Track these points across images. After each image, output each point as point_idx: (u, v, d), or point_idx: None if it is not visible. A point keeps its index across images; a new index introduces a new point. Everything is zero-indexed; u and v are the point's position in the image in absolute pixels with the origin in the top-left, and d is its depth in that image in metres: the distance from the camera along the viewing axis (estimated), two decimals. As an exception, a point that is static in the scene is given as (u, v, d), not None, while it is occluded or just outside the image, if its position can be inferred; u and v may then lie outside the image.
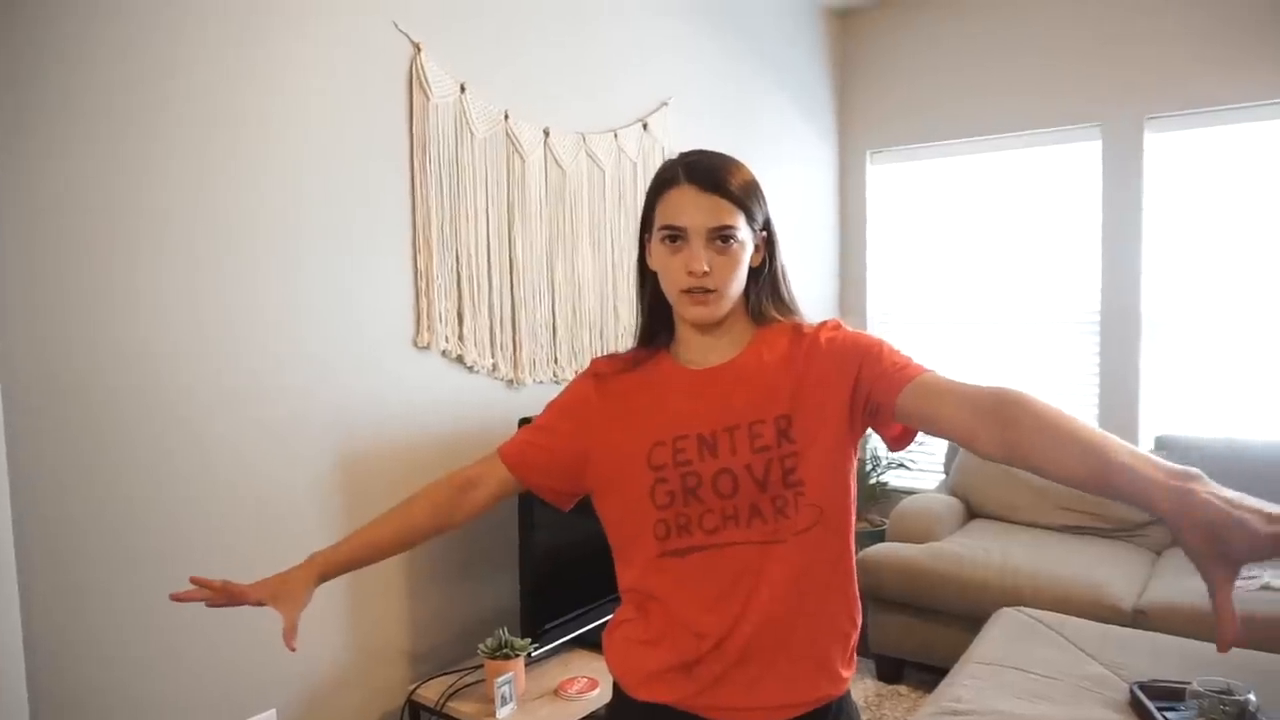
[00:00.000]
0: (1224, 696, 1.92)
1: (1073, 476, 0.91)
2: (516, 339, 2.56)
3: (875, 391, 1.14)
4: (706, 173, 1.16)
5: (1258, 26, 3.33)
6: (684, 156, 1.20)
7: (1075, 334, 3.83)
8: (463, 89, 2.39)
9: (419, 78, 2.27)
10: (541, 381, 2.65)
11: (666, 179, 1.18)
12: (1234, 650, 2.41)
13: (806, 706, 1.18)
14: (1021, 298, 3.95)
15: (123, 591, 1.76)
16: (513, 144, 2.53)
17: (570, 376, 2.74)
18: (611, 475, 1.23)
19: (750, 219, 1.17)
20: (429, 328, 2.32)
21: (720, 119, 3.46)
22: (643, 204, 1.24)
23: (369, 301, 2.20)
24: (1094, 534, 3.28)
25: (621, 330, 2.93)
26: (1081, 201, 3.77)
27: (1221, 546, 0.77)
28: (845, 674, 1.21)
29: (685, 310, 1.18)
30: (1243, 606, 2.71)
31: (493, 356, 2.49)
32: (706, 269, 1.13)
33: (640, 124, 3.02)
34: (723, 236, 1.14)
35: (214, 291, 1.88)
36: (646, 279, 1.26)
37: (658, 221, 1.18)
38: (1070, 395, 3.83)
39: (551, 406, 1.33)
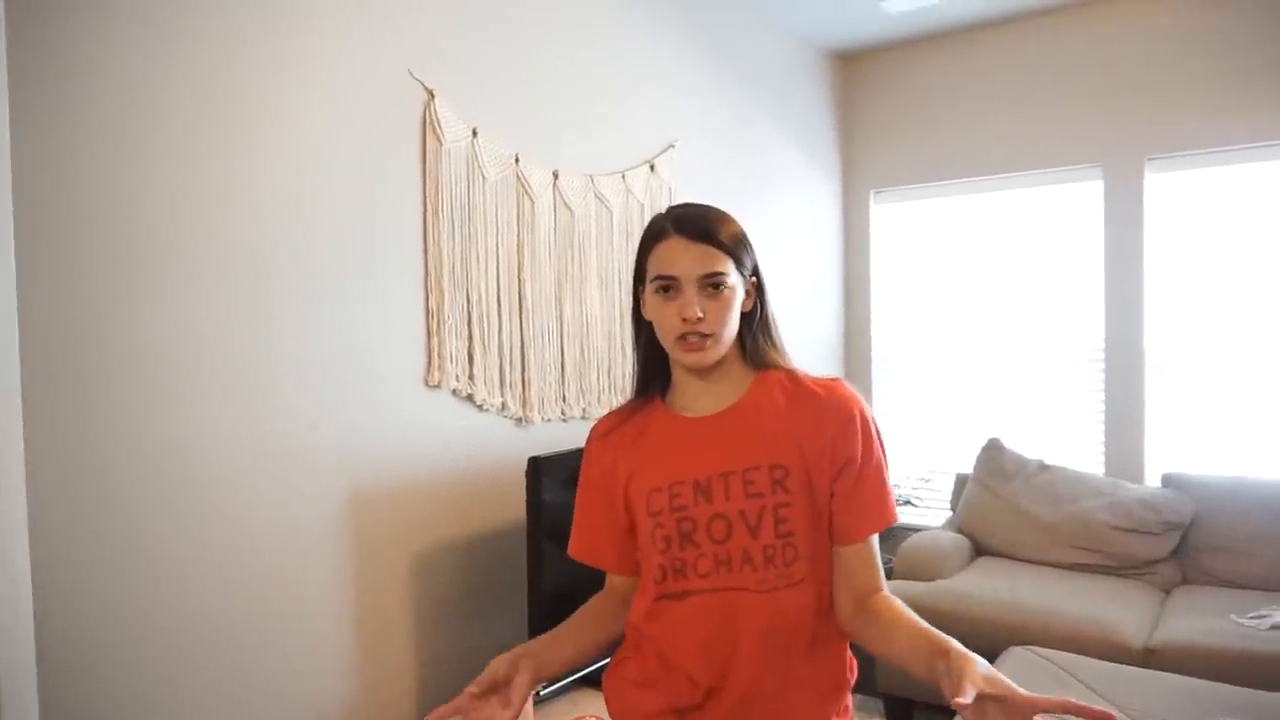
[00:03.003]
0: (1236, 737, 1.91)
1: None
2: (526, 378, 2.59)
3: (841, 510, 1.20)
4: (694, 223, 1.20)
5: (1257, 69, 3.39)
6: (671, 210, 1.25)
7: (1080, 372, 3.84)
8: (474, 133, 2.44)
9: (432, 123, 2.33)
10: (550, 420, 2.68)
11: (656, 232, 1.23)
12: (1245, 690, 2.41)
13: None
14: (1026, 336, 3.98)
15: (130, 632, 1.77)
16: (523, 186, 2.58)
17: (578, 415, 2.76)
18: (631, 518, 1.28)
19: (739, 265, 1.21)
20: (440, 367, 2.35)
21: (726, 160, 3.52)
22: (634, 258, 1.28)
23: (380, 340, 2.23)
24: (1102, 572, 3.26)
25: (630, 369, 2.96)
26: (1084, 241, 3.81)
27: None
28: None
29: (681, 356, 1.21)
30: (1254, 645, 2.69)
31: (502, 395, 2.52)
32: (700, 314, 1.17)
33: (648, 165, 3.07)
34: (714, 283, 1.18)
35: (224, 329, 1.92)
36: (641, 329, 1.30)
37: (650, 272, 1.22)
38: (1075, 434, 3.84)
39: (579, 490, 1.36)
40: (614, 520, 1.30)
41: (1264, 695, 2.30)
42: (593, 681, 2.42)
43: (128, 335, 1.76)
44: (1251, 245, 3.47)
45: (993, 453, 3.70)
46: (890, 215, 4.37)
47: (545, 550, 2.27)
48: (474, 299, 2.43)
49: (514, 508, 2.44)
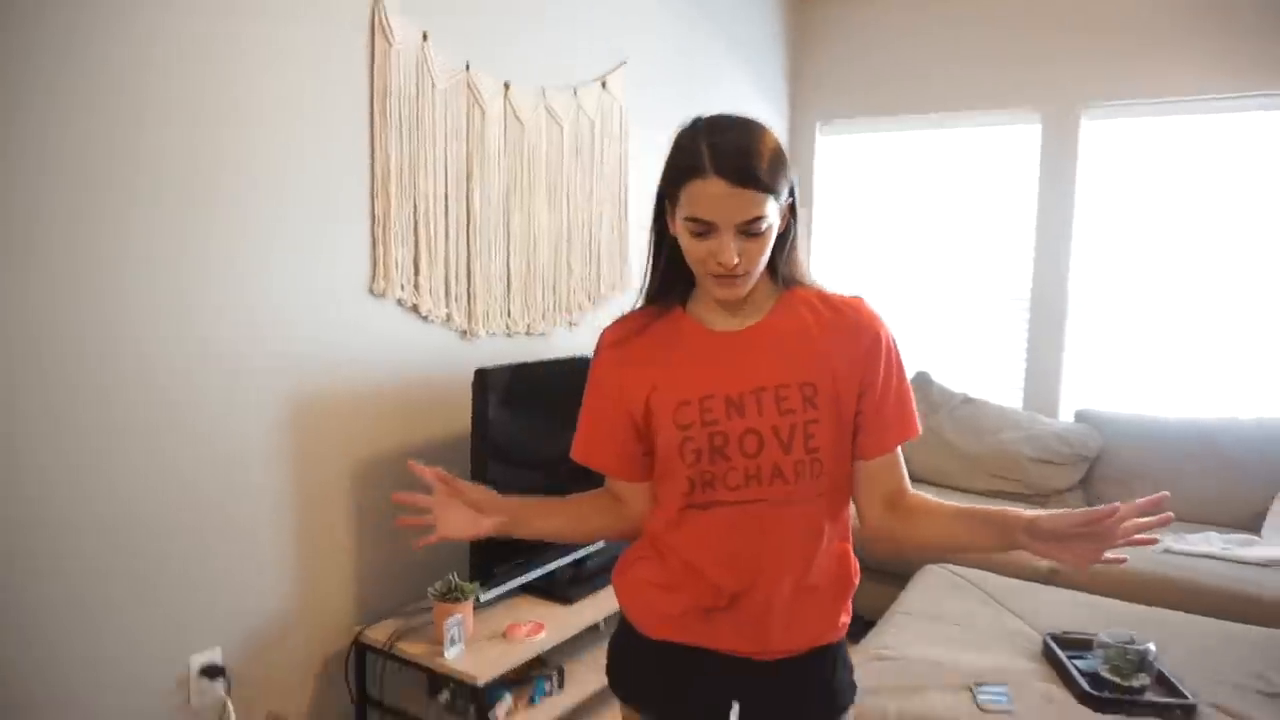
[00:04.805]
0: (1127, 646, 2.07)
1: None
2: (471, 290, 2.57)
3: (867, 427, 1.23)
4: (736, 161, 1.08)
5: (1192, 23, 3.47)
6: (710, 133, 1.12)
7: (1007, 311, 3.99)
8: (425, 37, 2.36)
9: (381, 24, 2.25)
10: (494, 334, 2.67)
11: (692, 166, 1.10)
12: (1137, 606, 2.59)
13: (812, 647, 1.26)
14: (959, 273, 4.09)
15: (67, 529, 1.75)
16: (473, 95, 2.53)
17: (523, 331, 2.76)
18: (649, 428, 1.26)
19: (778, 196, 1.13)
20: (385, 275, 2.31)
21: (676, 83, 3.48)
22: (662, 168, 1.17)
23: (324, 245, 2.18)
24: (1017, 499, 3.45)
25: (574, 285, 2.97)
26: (1021, 183, 3.90)
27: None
28: (845, 620, 1.29)
29: (713, 289, 1.17)
30: (1146, 566, 2.89)
31: (447, 307, 2.50)
32: (737, 260, 1.11)
33: (599, 82, 3.02)
34: (753, 229, 1.11)
35: (164, 233, 1.86)
36: (664, 240, 1.23)
37: (683, 208, 1.12)
38: (999, 369, 4.00)
39: (587, 396, 1.33)
40: (623, 427, 1.28)
41: (1155, 611, 2.49)
42: (534, 589, 2.48)
43: (64, 242, 1.69)
44: (1177, 195, 3.60)
45: (921, 385, 3.84)
46: (835, 147, 4.41)
47: (489, 462, 2.30)
48: (421, 208, 2.39)
49: (456, 421, 2.45)
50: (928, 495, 1.29)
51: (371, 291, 2.31)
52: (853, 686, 1.32)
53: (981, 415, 3.68)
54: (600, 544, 2.71)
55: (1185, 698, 1.96)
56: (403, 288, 2.37)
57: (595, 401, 1.31)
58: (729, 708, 1.29)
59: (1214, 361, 3.59)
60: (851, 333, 1.21)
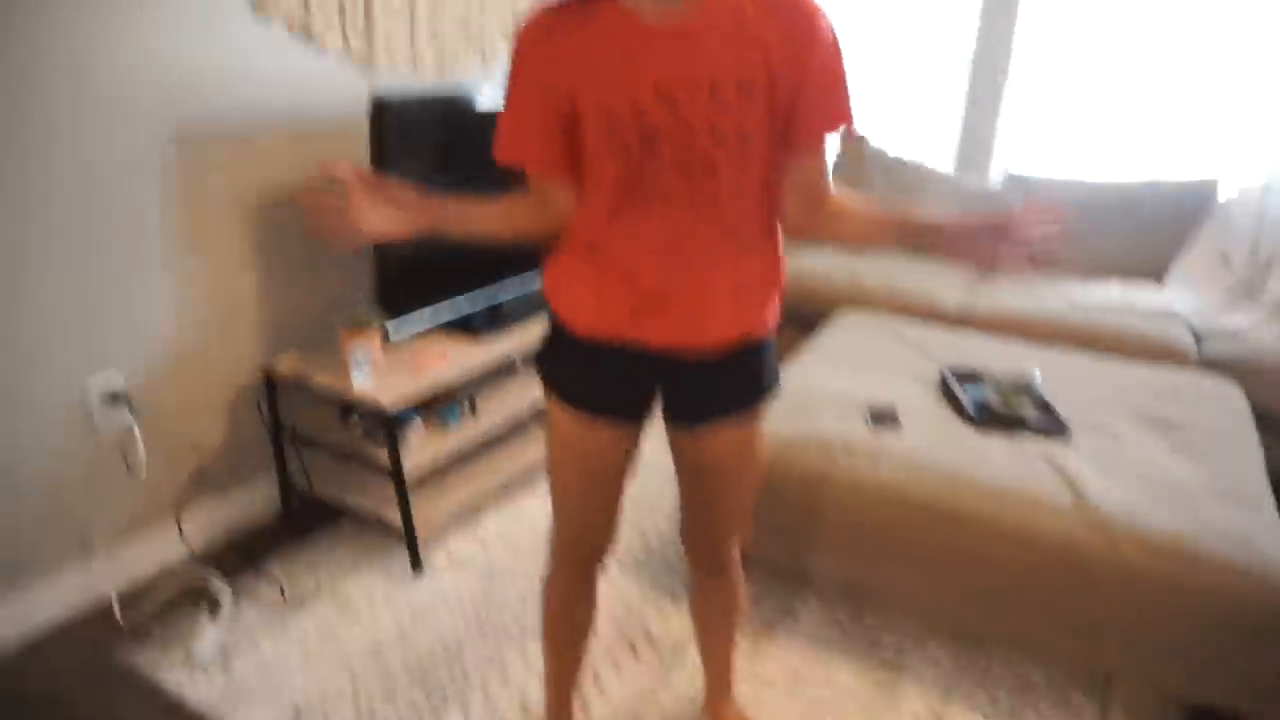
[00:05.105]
0: (1014, 375, 2.17)
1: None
2: (370, 14, 2.38)
3: (800, 115, 1.18)
4: None
5: None
6: None
7: (946, 68, 3.86)
8: None
9: None
10: (399, 69, 2.50)
11: None
12: (1027, 345, 2.68)
13: (740, 341, 1.28)
14: (898, 31, 3.91)
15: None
16: None
17: (430, 65, 2.60)
18: (576, 124, 1.20)
19: None
20: (269, -10, 2.11)
21: None
22: None
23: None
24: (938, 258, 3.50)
25: (488, 21, 2.77)
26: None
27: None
28: (772, 321, 1.31)
29: None
30: (1049, 316, 2.96)
31: (343, 29, 2.31)
32: None
33: None
34: None
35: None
36: None
37: None
38: (933, 126, 3.93)
39: (509, 95, 1.23)
40: (551, 123, 1.21)
41: (1041, 349, 2.60)
42: (449, 328, 2.48)
43: None
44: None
45: (853, 144, 3.78)
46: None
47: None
48: (305, -87, 2.16)
49: (355, 160, 2.34)
50: (848, 196, 1.28)
51: (255, 10, 2.11)
52: (776, 373, 1.36)
53: (910, 175, 3.65)
54: (517, 289, 2.69)
55: (1061, 420, 2.07)
56: (290, 8, 2.17)
57: (518, 100, 1.23)
58: (654, 395, 1.34)
59: (1145, 126, 3.57)
60: (788, 19, 1.13)
